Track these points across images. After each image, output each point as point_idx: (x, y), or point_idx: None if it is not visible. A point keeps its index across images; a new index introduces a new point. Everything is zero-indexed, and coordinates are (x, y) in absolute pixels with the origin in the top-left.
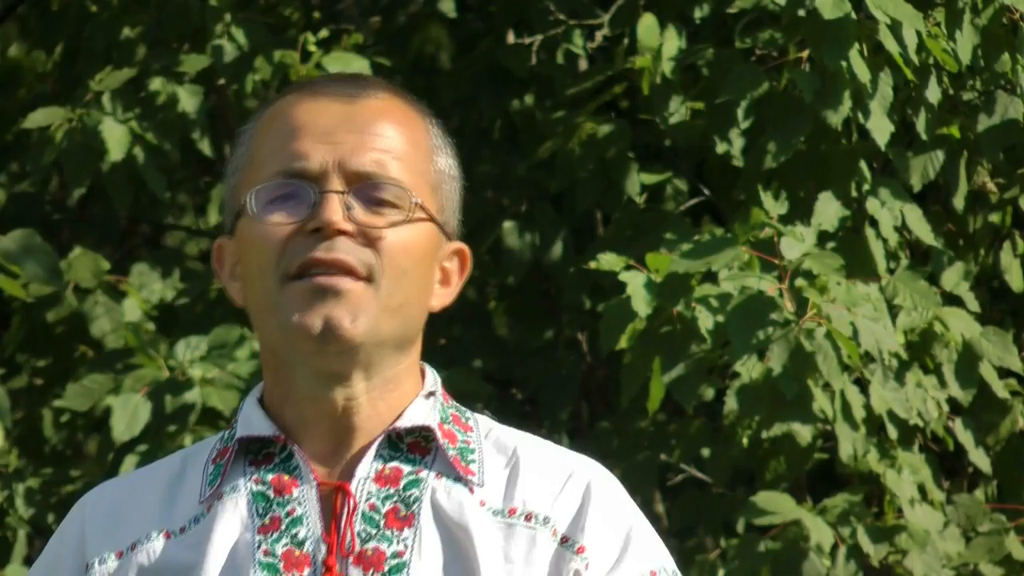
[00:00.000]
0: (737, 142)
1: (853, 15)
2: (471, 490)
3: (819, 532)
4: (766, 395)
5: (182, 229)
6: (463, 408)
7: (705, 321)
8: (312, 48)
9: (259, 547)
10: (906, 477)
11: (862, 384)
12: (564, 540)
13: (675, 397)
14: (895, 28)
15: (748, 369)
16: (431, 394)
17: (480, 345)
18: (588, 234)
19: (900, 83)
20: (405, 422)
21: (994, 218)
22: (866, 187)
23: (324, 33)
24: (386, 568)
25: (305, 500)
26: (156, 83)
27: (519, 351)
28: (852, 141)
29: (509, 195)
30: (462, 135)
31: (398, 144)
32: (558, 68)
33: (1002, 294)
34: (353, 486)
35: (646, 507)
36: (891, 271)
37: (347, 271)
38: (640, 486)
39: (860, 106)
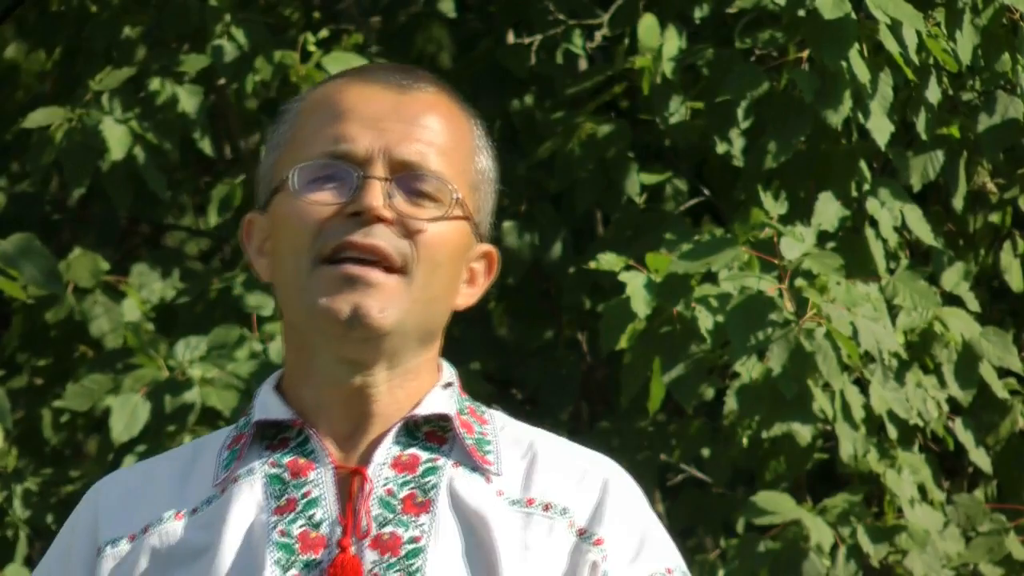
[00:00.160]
0: (737, 142)
1: (853, 15)
2: (488, 479)
3: (819, 532)
4: (766, 395)
5: (182, 229)
6: (478, 402)
7: (705, 321)
8: (312, 48)
9: (275, 527)
10: (906, 477)
11: (862, 384)
12: (581, 532)
13: (675, 397)
14: (895, 28)
15: (748, 369)
16: (448, 385)
17: (480, 345)
18: (588, 234)
19: (900, 83)
20: (423, 410)
21: (994, 218)
22: (866, 187)
23: (324, 33)
24: (402, 552)
25: (321, 482)
26: (156, 83)
27: (519, 351)
28: (852, 141)
29: (509, 195)
30: None
31: (443, 139)
32: (558, 68)
33: (1002, 294)
34: (370, 470)
35: None
36: (891, 271)
37: (382, 258)
38: (640, 486)
39: (860, 106)
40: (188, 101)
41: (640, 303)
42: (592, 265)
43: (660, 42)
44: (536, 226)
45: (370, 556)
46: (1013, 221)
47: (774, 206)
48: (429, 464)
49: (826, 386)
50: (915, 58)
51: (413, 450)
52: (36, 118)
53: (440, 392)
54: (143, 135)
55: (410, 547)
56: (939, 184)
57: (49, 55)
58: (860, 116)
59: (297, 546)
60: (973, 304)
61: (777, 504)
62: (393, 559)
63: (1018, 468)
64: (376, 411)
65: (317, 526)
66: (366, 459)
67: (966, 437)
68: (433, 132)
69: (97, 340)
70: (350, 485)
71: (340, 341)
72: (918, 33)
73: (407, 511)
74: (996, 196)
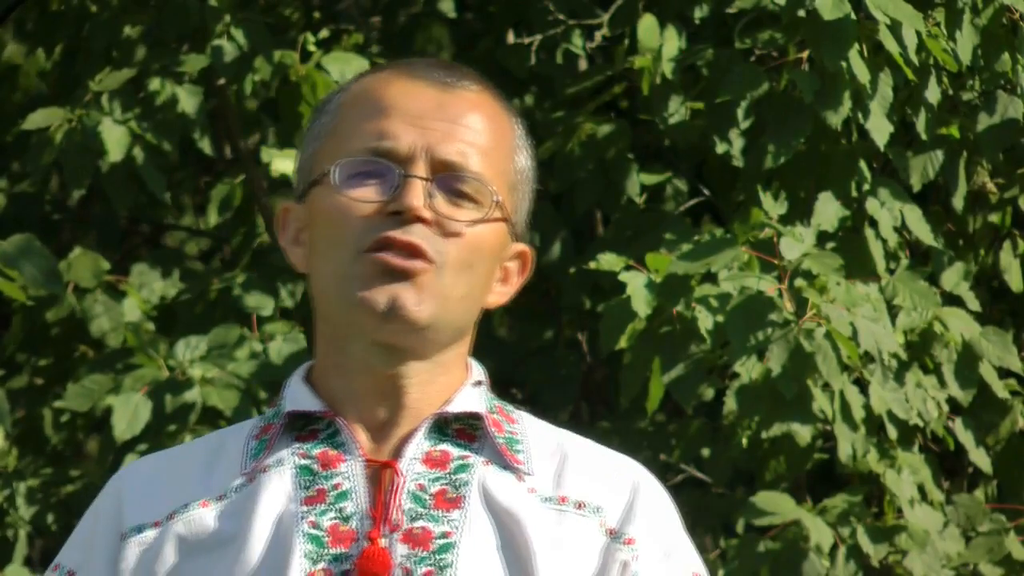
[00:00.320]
0: (737, 142)
1: (853, 15)
2: (520, 478)
3: (819, 532)
4: (766, 395)
5: (182, 229)
6: (505, 401)
7: (705, 321)
8: (312, 48)
9: (305, 518)
10: (906, 477)
11: (862, 384)
12: (612, 532)
13: (675, 397)
14: (895, 28)
15: (748, 369)
16: (478, 383)
17: (480, 345)
18: (588, 234)
19: (900, 83)
20: (455, 407)
21: (994, 218)
22: (866, 187)
23: (324, 33)
24: (433, 548)
25: (352, 475)
26: (156, 83)
27: (519, 351)
28: (852, 141)
29: None
30: None
31: (485, 139)
32: (558, 68)
33: (1002, 294)
34: (402, 465)
35: None
36: (891, 271)
37: (419, 255)
38: None
39: (860, 106)
40: (188, 101)
41: (640, 303)
42: (592, 265)
43: (660, 42)
44: (536, 226)
45: (400, 549)
46: (1013, 221)
47: (774, 206)
48: (460, 461)
49: (826, 386)
50: (915, 58)
51: (444, 446)
52: (36, 119)
53: (471, 390)
54: (143, 135)
55: (441, 542)
56: (939, 184)
57: (49, 55)
58: (860, 116)
59: (327, 539)
60: (973, 304)
61: (777, 504)
62: (424, 553)
63: (1018, 468)
64: (407, 403)
65: (347, 519)
66: (397, 453)
67: (966, 437)
68: (475, 132)
69: (97, 340)
70: (380, 479)
71: (375, 332)
72: (918, 33)
73: (438, 506)
74: (996, 196)
